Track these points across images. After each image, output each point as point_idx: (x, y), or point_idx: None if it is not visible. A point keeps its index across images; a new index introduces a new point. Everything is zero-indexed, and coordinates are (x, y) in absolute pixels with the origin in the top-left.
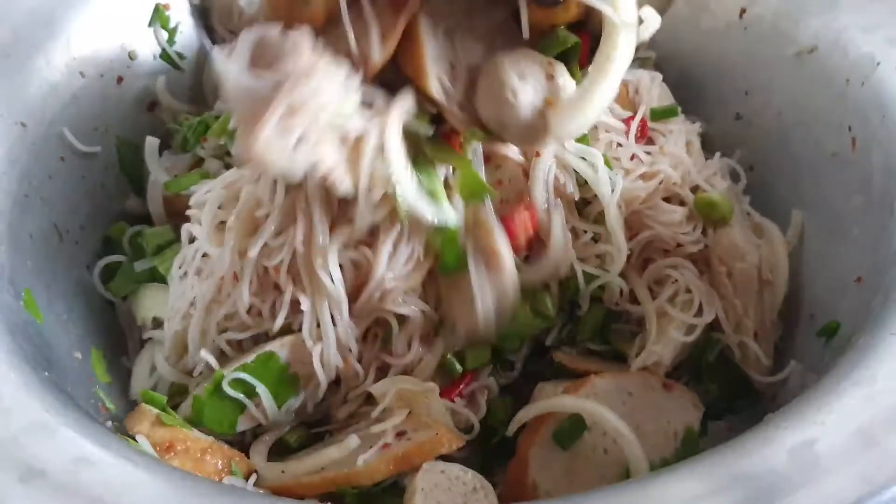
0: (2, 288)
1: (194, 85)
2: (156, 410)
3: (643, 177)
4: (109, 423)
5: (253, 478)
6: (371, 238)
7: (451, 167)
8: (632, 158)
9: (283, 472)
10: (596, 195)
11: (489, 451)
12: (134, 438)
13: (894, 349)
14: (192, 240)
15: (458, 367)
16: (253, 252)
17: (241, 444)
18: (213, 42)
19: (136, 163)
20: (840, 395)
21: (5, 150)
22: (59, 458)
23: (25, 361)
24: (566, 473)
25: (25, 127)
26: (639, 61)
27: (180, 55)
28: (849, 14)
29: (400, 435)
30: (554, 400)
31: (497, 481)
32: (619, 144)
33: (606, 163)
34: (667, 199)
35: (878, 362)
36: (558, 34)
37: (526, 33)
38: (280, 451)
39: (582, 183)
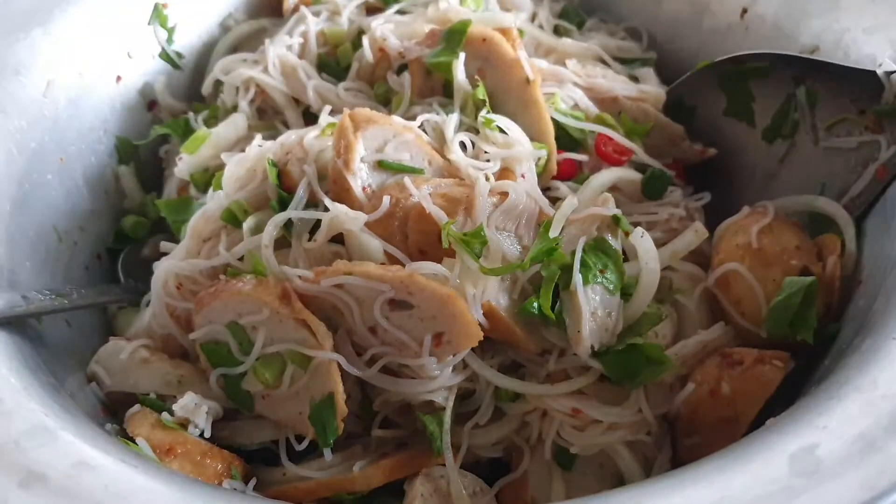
0: (1, 290)
1: (193, 84)
2: (156, 413)
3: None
4: (109, 426)
5: (252, 482)
6: None
7: None
8: None
9: (283, 475)
10: None
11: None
12: (134, 441)
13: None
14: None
15: None
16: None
17: (240, 449)
18: None
19: (135, 160)
20: (841, 399)
21: (4, 151)
22: (60, 462)
23: (25, 365)
24: (564, 488)
25: (24, 127)
26: (640, 61)
27: (179, 54)
28: (850, 15)
29: (402, 446)
30: None
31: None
32: None
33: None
34: None
35: (879, 366)
36: None
37: None
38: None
39: None
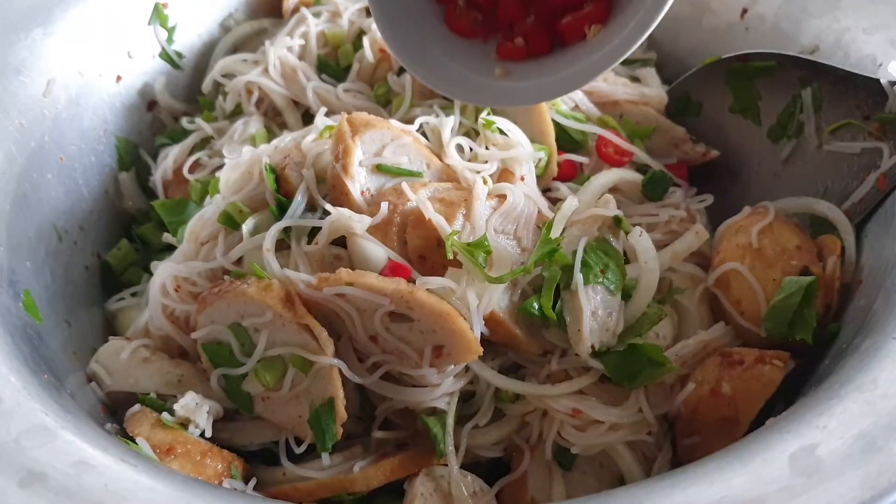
0: (1, 289)
1: (193, 84)
2: (156, 413)
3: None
4: (109, 426)
5: (252, 481)
6: None
7: None
8: None
9: (283, 475)
10: None
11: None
12: (134, 440)
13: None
14: None
15: None
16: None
17: (240, 449)
18: None
19: (135, 162)
20: (841, 399)
21: (4, 150)
22: (60, 461)
23: (25, 364)
24: (564, 488)
25: (24, 127)
26: (640, 61)
27: (179, 54)
28: (850, 15)
29: (402, 446)
30: None
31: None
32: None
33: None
34: None
35: (879, 366)
36: None
37: None
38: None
39: None
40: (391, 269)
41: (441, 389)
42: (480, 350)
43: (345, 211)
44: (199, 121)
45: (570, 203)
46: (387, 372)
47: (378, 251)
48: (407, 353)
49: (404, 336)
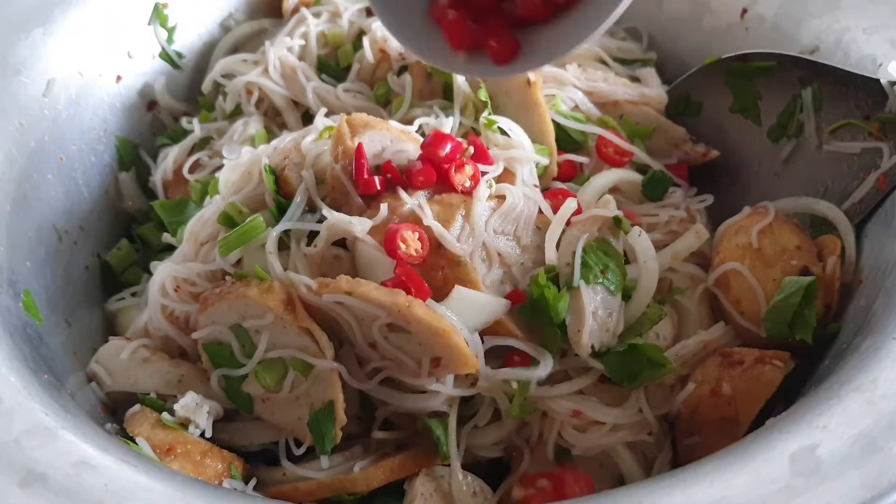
0: (1, 289)
1: (193, 84)
2: (156, 413)
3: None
4: (109, 426)
5: (252, 482)
6: None
7: None
8: None
9: (283, 475)
10: None
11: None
12: (134, 440)
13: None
14: None
15: None
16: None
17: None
18: None
19: (135, 162)
20: (841, 399)
21: (4, 150)
22: (60, 461)
23: (25, 364)
24: None
25: (24, 127)
26: (640, 61)
27: (179, 54)
28: (850, 15)
29: (402, 446)
30: None
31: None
32: None
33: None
34: None
35: (879, 366)
36: None
37: None
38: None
39: None
40: (394, 283)
41: (441, 396)
42: (477, 364)
43: (343, 216)
44: (197, 121)
45: (570, 203)
46: (387, 377)
47: (385, 260)
48: (405, 361)
49: (402, 346)
